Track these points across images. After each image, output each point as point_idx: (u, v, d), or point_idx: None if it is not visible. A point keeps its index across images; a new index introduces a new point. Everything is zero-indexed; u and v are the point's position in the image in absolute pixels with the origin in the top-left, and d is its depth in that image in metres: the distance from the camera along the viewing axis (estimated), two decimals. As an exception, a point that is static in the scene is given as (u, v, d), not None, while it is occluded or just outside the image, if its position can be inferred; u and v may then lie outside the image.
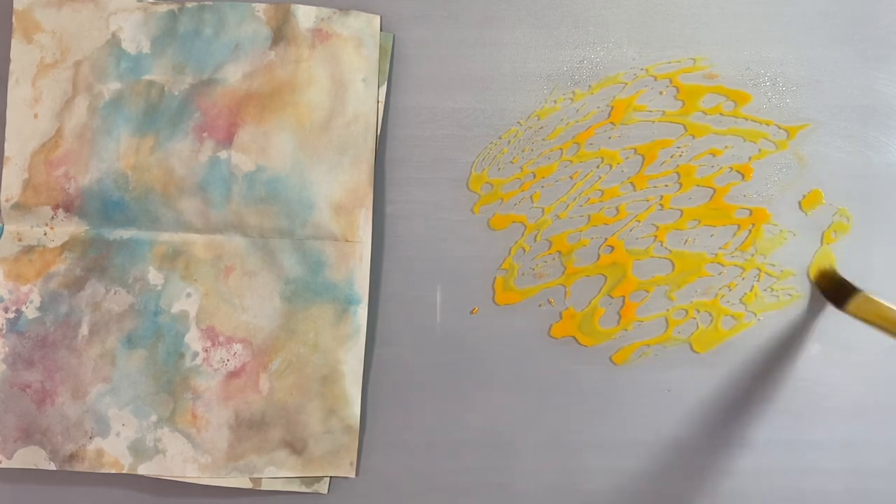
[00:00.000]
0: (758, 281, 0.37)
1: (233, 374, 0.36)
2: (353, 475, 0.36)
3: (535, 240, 0.38)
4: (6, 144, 0.37)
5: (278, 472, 0.36)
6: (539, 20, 0.38)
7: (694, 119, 0.38)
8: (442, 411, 0.37)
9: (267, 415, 0.36)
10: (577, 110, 0.38)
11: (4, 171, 0.37)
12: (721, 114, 0.38)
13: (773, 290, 0.37)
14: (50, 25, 0.37)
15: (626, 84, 0.38)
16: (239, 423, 0.36)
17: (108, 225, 0.37)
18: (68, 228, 0.37)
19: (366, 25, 0.37)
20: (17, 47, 0.37)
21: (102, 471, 0.36)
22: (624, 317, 0.37)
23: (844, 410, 0.37)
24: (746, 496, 0.37)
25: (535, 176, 0.38)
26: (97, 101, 0.37)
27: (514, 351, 0.37)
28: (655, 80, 0.38)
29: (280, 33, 0.37)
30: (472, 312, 0.37)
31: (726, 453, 0.37)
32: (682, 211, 0.38)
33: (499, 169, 0.38)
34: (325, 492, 0.36)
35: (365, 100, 0.37)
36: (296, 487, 0.36)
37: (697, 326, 0.37)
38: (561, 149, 0.38)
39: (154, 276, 0.36)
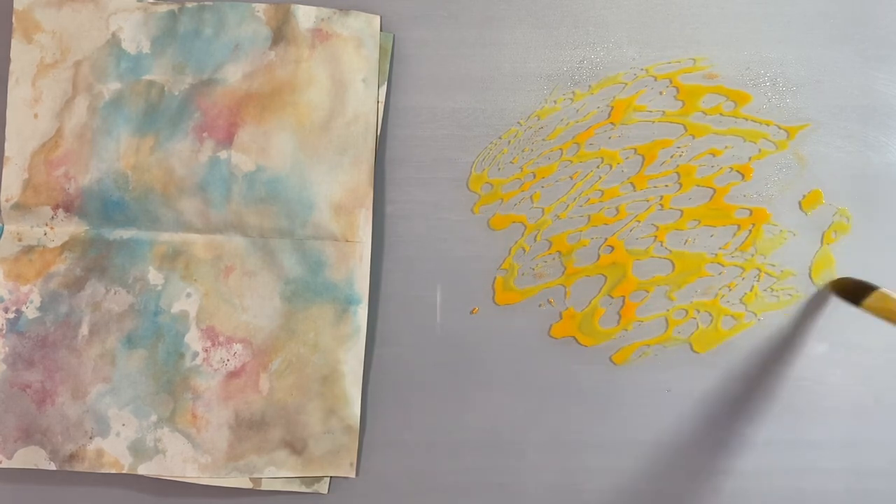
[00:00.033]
0: (758, 281, 0.37)
1: (233, 374, 0.36)
2: (353, 475, 0.36)
3: (535, 240, 0.38)
4: (6, 144, 0.37)
5: (278, 472, 0.36)
6: (539, 20, 0.38)
7: (694, 119, 0.38)
8: (442, 411, 0.37)
9: (267, 415, 0.36)
10: (577, 110, 0.38)
11: (4, 171, 0.37)
12: (721, 114, 0.38)
13: (773, 290, 0.37)
14: (50, 25, 0.37)
15: (626, 84, 0.38)
16: (239, 423, 0.36)
17: (108, 225, 0.37)
18: (68, 228, 0.37)
19: (366, 25, 0.37)
20: (17, 47, 0.37)
21: (102, 471, 0.36)
22: (624, 317, 0.37)
23: (844, 410, 0.37)
24: (746, 496, 0.37)
25: (535, 176, 0.38)
26: (97, 101, 0.37)
27: (514, 351, 0.37)
28: (655, 80, 0.38)
29: (280, 33, 0.37)
30: (472, 312, 0.37)
31: (726, 453, 0.37)
32: (682, 211, 0.38)
33: (499, 169, 0.38)
34: (325, 492, 0.36)
35: (365, 100, 0.37)
36: (296, 487, 0.36)
37: (697, 326, 0.37)
38: (561, 149, 0.38)
39: (154, 276, 0.36)
